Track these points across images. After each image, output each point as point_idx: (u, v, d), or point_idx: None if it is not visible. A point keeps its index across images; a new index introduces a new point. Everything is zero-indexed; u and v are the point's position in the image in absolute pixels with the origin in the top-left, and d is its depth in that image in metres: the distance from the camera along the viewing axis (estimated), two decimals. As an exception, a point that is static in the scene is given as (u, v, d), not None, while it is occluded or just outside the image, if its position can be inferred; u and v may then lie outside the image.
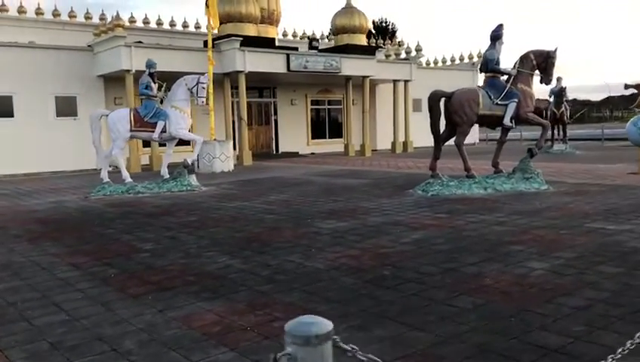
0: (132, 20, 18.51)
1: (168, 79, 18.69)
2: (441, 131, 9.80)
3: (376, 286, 4.22)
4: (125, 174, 11.18)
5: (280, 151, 23.36)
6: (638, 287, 3.97)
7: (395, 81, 23.43)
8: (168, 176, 11.36)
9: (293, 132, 23.76)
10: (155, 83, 11.36)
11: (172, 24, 21.06)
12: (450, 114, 9.50)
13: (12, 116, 16.58)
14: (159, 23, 20.70)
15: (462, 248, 5.35)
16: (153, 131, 11.01)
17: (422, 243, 5.61)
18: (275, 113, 23.41)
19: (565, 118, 20.94)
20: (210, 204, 9.07)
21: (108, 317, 3.73)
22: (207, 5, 16.27)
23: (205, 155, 15.45)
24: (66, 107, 17.40)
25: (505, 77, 9.72)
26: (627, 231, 5.81)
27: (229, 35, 17.83)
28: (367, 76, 21.42)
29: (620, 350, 2.02)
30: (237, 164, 18.02)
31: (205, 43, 18.77)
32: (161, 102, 11.50)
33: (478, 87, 9.67)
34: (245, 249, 5.65)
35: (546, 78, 9.75)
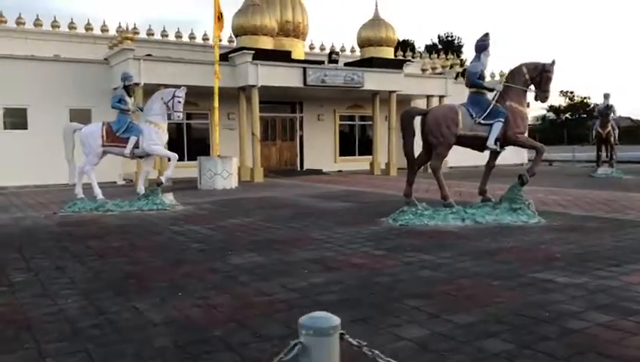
0: (150, 33, 18.39)
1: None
2: (418, 153, 8.76)
3: (172, 356, 3.35)
4: (97, 191, 10.77)
5: (305, 167, 22.65)
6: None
7: (428, 97, 22.24)
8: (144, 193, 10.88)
9: (320, 148, 22.99)
10: (130, 96, 10.94)
11: (192, 37, 20.84)
12: (426, 134, 8.45)
13: (26, 128, 16.80)
14: (178, 35, 20.51)
15: (350, 300, 4.38)
16: (125, 146, 10.56)
17: (310, 292, 4.66)
18: (301, 128, 22.76)
19: (613, 138, 19.05)
20: (157, 227, 8.43)
21: None
22: (219, 18, 15.85)
23: (207, 172, 14.95)
24: (81, 120, 17.38)
25: (492, 93, 8.56)
26: (574, 287, 4.63)
27: (241, 48, 17.35)
28: (394, 91, 20.38)
29: None
30: (249, 180, 17.47)
31: (221, 56, 18.47)
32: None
33: (460, 104, 8.55)
34: (113, 288, 4.91)
35: (541, 95, 8.50)
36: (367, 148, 23.96)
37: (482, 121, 8.28)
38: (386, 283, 4.91)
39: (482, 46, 8.53)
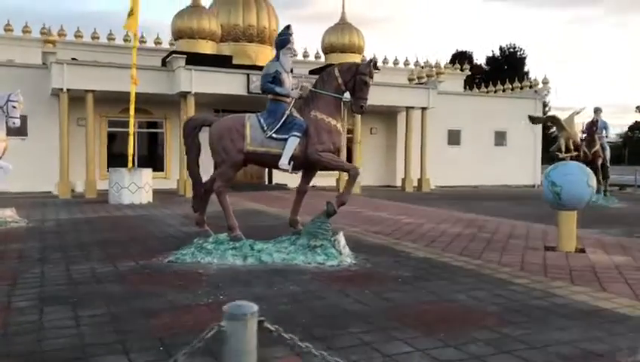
0: (78, 35, 17.60)
1: (116, 100, 17.52)
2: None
3: None
4: None
5: (274, 182, 21.15)
6: None
7: (408, 108, 20.30)
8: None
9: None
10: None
11: (126, 39, 19.90)
12: (211, 149, 6.85)
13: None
14: (110, 37, 19.61)
15: None
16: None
17: None
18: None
19: (602, 159, 16.38)
20: None
21: None
22: (130, 13, 14.43)
23: (114, 185, 13.81)
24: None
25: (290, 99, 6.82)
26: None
27: (174, 52, 16.20)
28: (360, 101, 18.58)
29: None
30: (182, 195, 16.27)
31: (163, 61, 17.44)
32: None
33: (254, 114, 6.87)
34: None
35: (355, 103, 6.68)
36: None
37: (274, 135, 6.57)
38: None
39: (282, 42, 6.80)
